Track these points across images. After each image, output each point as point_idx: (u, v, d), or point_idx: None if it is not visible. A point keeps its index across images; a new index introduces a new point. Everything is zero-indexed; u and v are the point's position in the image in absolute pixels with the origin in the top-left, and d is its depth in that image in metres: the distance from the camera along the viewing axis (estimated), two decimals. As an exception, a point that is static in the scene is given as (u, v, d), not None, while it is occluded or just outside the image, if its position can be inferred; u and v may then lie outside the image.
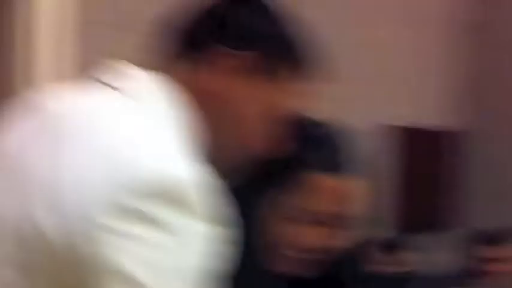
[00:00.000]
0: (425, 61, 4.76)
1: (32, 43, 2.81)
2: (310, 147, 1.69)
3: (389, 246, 4.15)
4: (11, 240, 1.21)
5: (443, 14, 4.80)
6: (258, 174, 1.58)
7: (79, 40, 2.93)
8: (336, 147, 1.72)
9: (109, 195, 1.16)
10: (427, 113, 4.84)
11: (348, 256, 1.81)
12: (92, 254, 1.16)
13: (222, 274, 1.24)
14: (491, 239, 4.26)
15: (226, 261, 1.24)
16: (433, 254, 4.36)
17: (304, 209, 1.66)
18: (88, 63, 1.43)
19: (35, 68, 2.81)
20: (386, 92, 4.54)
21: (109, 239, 1.16)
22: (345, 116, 4.09)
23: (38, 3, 2.81)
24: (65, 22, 2.84)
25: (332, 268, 1.73)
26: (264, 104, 1.45)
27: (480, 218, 5.02)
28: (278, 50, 1.47)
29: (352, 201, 1.71)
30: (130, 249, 1.16)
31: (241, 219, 1.38)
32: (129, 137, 1.24)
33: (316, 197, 1.67)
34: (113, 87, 1.36)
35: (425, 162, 4.95)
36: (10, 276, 1.21)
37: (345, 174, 1.70)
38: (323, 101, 1.67)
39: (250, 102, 1.44)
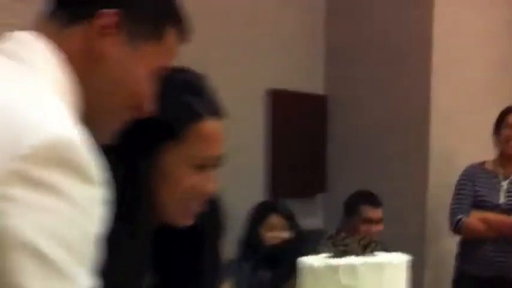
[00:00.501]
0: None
1: None
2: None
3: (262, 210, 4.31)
4: None
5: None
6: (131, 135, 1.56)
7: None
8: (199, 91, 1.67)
9: (5, 164, 1.14)
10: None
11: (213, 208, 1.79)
12: None
13: (103, 236, 1.24)
14: (374, 201, 4.50)
15: (106, 223, 1.25)
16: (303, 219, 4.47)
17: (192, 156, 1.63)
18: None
19: None
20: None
21: (9, 208, 1.13)
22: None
23: None
24: None
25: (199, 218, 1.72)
26: (146, 64, 1.45)
27: (342, 183, 5.29)
28: (160, 7, 1.47)
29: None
30: (30, 218, 1.14)
31: (116, 180, 1.37)
32: (19, 103, 1.22)
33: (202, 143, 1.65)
34: (8, 54, 1.33)
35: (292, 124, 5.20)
36: None
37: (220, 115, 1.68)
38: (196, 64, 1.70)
39: (131, 63, 1.43)
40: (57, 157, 1.17)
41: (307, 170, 5.40)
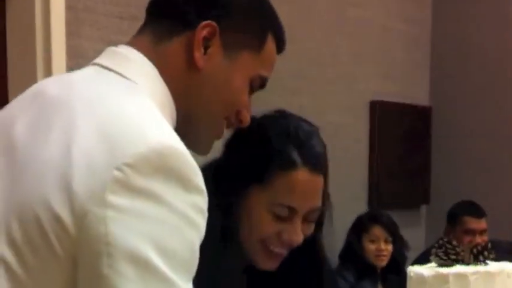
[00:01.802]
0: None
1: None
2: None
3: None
4: (31, 224, 1.19)
5: None
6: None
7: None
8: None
9: (113, 173, 1.16)
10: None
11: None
12: (101, 234, 1.15)
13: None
14: (478, 211, 4.37)
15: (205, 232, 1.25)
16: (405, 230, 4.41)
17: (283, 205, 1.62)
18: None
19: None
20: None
21: (111, 215, 1.15)
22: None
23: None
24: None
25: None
26: (244, 73, 1.44)
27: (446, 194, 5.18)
28: (261, 18, 1.46)
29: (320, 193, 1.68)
30: (132, 225, 1.16)
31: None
32: (121, 114, 1.24)
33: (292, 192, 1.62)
34: (110, 69, 1.36)
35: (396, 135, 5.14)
36: (31, 261, 1.19)
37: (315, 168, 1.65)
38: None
39: (229, 73, 1.42)
40: (159, 165, 1.19)
41: (411, 181, 5.35)
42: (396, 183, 5.21)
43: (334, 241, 4.41)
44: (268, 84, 1.51)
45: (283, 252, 1.66)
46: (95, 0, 3.02)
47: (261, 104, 1.64)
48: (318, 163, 1.65)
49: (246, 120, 1.49)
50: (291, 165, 1.61)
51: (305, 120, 1.71)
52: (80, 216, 1.16)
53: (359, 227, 4.29)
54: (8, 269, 1.21)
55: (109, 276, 1.15)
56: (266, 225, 1.63)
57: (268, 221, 1.62)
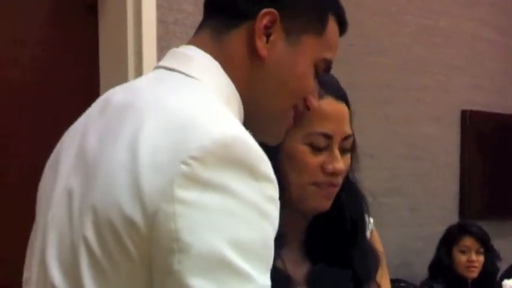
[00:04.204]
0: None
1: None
2: None
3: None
4: (106, 230, 1.20)
5: None
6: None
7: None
8: None
9: (179, 168, 1.15)
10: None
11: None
12: (171, 230, 1.14)
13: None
14: None
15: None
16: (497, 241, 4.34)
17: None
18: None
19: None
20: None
21: (180, 210, 1.14)
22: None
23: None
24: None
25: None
26: (307, 57, 1.41)
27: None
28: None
29: None
30: (203, 219, 1.14)
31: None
32: (187, 110, 1.23)
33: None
34: (172, 69, 1.36)
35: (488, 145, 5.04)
36: (107, 266, 1.20)
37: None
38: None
39: (292, 59, 1.39)
40: (224, 156, 1.17)
41: (502, 192, 5.26)
42: (487, 194, 5.14)
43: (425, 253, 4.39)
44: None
45: (331, 186, 1.69)
46: (185, 13, 3.07)
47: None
48: (339, 92, 1.69)
49: (314, 106, 1.48)
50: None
51: None
52: (151, 215, 1.15)
53: (449, 238, 4.25)
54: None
55: (180, 272, 1.14)
56: (310, 159, 1.66)
57: (308, 154, 1.66)
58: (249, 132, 1.25)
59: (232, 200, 1.16)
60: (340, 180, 1.70)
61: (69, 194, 1.31)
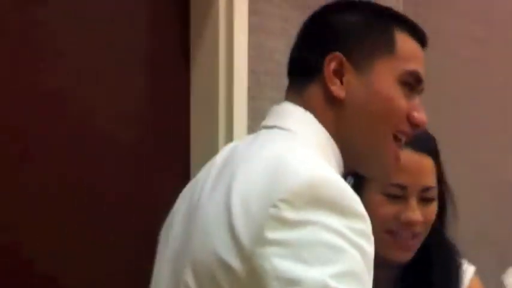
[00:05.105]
0: None
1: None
2: None
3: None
4: (206, 280, 1.26)
5: None
6: None
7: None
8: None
9: (269, 211, 1.20)
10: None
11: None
12: (268, 271, 1.17)
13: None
14: None
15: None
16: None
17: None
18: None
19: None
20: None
21: (277, 251, 1.18)
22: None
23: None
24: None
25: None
26: (385, 80, 1.43)
27: None
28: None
29: None
30: (298, 255, 1.16)
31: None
32: (281, 158, 1.28)
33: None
34: (270, 127, 1.45)
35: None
36: None
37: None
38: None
39: (371, 89, 1.43)
40: (312, 197, 1.21)
41: None
42: None
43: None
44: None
45: (409, 237, 1.68)
46: (275, 63, 3.08)
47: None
48: (419, 143, 1.66)
49: (422, 121, 1.47)
50: None
51: None
52: (247, 260, 1.20)
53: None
54: None
55: None
56: (383, 208, 1.66)
57: (383, 203, 1.67)
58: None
59: (321, 232, 1.18)
60: (418, 230, 1.67)
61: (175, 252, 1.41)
